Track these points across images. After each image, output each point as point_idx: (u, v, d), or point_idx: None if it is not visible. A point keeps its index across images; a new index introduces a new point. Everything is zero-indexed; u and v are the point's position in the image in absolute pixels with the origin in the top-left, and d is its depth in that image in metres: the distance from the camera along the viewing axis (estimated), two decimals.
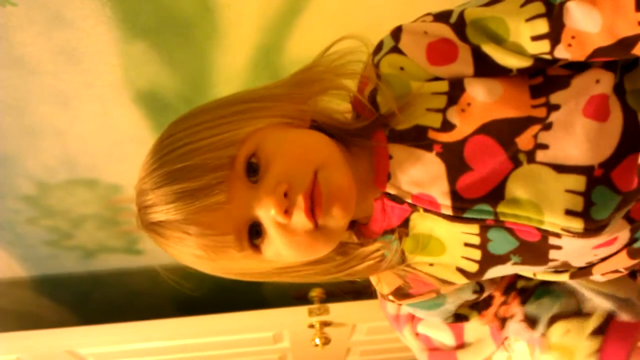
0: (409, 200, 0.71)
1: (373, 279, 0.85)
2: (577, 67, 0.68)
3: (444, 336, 1.38)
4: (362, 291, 0.89)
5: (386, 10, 0.75)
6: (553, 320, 0.87)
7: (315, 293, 2.06)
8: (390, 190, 0.72)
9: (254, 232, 0.68)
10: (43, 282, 2.19)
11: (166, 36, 1.33)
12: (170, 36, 1.33)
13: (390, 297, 0.85)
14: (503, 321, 0.93)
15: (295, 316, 1.99)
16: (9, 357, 2.08)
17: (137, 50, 1.36)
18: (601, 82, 0.66)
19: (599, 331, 0.84)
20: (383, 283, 0.84)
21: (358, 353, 2.38)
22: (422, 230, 0.74)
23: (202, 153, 0.65)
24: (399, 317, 1.43)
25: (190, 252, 0.69)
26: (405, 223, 0.74)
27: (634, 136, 0.65)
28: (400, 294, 0.84)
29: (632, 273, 0.81)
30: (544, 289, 0.90)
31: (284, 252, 0.69)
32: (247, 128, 0.67)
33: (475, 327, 1.34)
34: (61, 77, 1.40)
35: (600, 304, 0.86)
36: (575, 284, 0.89)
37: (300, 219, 0.66)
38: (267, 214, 0.66)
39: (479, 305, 0.91)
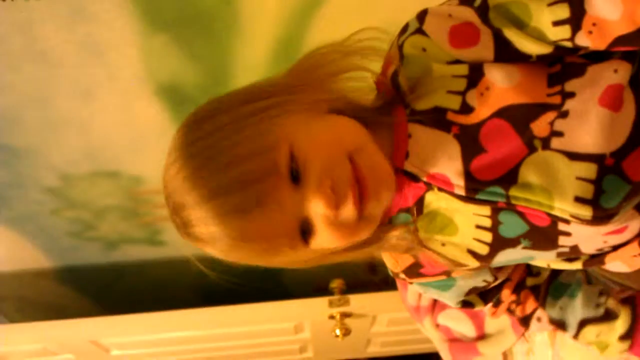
0: (425, 179, 0.72)
1: (385, 257, 0.86)
2: (595, 58, 0.68)
3: (465, 327, 1.38)
4: (382, 282, 0.90)
5: (407, 3, 0.75)
6: (582, 324, 0.88)
7: (335, 284, 2.07)
8: (408, 167, 0.73)
9: (304, 230, 0.70)
10: (67, 272, 2.21)
11: (187, 29, 1.34)
12: (191, 29, 1.34)
13: (402, 275, 0.86)
14: (524, 320, 0.93)
15: (316, 307, 2.00)
16: (35, 346, 2.11)
17: (159, 43, 1.37)
18: (619, 72, 0.66)
19: (628, 334, 0.84)
20: (395, 261, 0.85)
21: (378, 344, 2.38)
22: (435, 209, 0.75)
23: (239, 163, 0.65)
24: (420, 308, 1.43)
25: (240, 256, 0.71)
26: (420, 202, 0.75)
27: None
28: (412, 272, 0.85)
29: None
30: (556, 285, 0.90)
31: (331, 243, 0.71)
32: (274, 130, 0.67)
33: (496, 319, 1.34)
34: (84, 70, 1.42)
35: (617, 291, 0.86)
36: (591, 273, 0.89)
37: (348, 211, 0.68)
38: (317, 211, 0.68)
39: (488, 298, 0.92)
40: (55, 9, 1.27)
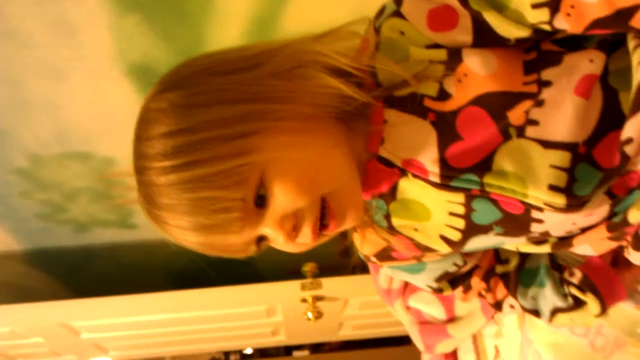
0: (399, 165, 0.72)
1: (357, 240, 0.86)
2: (570, 46, 0.69)
3: (435, 310, 1.40)
4: (354, 266, 0.90)
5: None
6: (554, 312, 0.89)
7: (308, 268, 2.08)
8: (383, 153, 0.73)
9: (260, 239, 0.72)
10: (36, 255, 2.19)
11: (159, 9, 1.32)
12: (164, 9, 1.32)
13: (373, 259, 0.87)
14: (496, 305, 0.94)
15: (288, 290, 2.01)
16: (4, 329, 2.09)
17: (130, 23, 1.35)
18: (594, 62, 0.67)
19: (602, 310, 0.86)
20: (367, 245, 0.85)
21: (350, 327, 2.40)
22: (409, 195, 0.75)
23: (212, 186, 0.65)
24: (391, 291, 1.44)
25: (196, 249, 0.73)
26: (394, 189, 0.75)
27: (614, 114, 0.66)
28: (383, 256, 0.86)
29: (619, 249, 0.82)
30: (525, 273, 0.91)
31: (286, 250, 0.75)
32: (249, 153, 0.66)
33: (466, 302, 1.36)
34: (54, 50, 1.39)
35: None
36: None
37: (306, 240, 0.71)
38: (275, 237, 0.71)
39: (457, 284, 0.92)
40: None
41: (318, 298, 2.01)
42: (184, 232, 0.68)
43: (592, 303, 0.84)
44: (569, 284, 0.86)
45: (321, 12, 0.75)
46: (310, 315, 2.00)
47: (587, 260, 0.86)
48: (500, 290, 0.92)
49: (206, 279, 2.05)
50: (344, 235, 0.86)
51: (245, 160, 0.66)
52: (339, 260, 0.89)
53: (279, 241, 0.70)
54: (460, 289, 0.94)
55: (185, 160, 0.65)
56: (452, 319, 1.40)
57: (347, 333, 2.47)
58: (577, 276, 0.85)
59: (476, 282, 0.92)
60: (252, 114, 0.67)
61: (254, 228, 0.69)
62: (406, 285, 1.43)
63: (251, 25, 1.35)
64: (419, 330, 1.44)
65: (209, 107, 0.67)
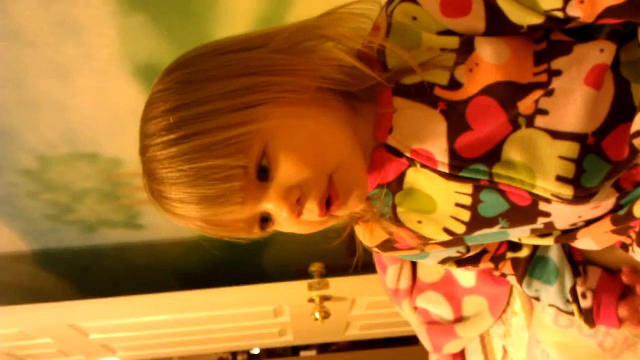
0: (408, 154, 0.72)
1: (359, 231, 0.86)
2: (581, 37, 0.68)
3: (443, 310, 1.39)
4: (362, 266, 0.90)
5: None
6: (552, 306, 0.91)
7: (315, 268, 2.07)
8: (391, 142, 0.72)
9: (264, 219, 0.70)
10: (44, 256, 2.20)
11: (165, 9, 1.32)
12: (169, 9, 1.32)
13: (376, 249, 0.87)
14: (502, 275, 0.95)
15: (296, 291, 2.01)
16: (11, 330, 2.10)
17: (136, 23, 1.35)
18: (605, 52, 0.66)
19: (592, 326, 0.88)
20: (370, 236, 0.85)
21: (358, 327, 2.39)
22: (416, 186, 0.75)
23: (210, 156, 0.64)
24: (398, 291, 1.44)
25: (200, 230, 0.71)
26: (401, 178, 0.75)
27: (625, 106, 0.66)
28: (386, 247, 0.85)
29: (624, 246, 0.82)
30: (535, 263, 0.91)
31: (292, 232, 0.72)
32: (253, 122, 0.65)
33: (474, 302, 1.35)
34: (60, 49, 1.40)
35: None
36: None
37: (312, 216, 0.68)
38: (278, 214, 0.68)
39: (464, 264, 0.92)
40: None
41: (325, 298, 2.01)
42: (186, 207, 0.66)
43: (584, 325, 0.87)
44: (576, 300, 0.87)
45: (325, 9, 0.74)
46: (317, 315, 2.00)
47: (599, 287, 0.86)
48: (508, 269, 0.93)
49: (214, 279, 2.06)
50: (351, 234, 0.86)
51: (248, 129, 0.65)
52: (346, 260, 0.89)
53: (283, 216, 0.67)
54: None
55: (186, 133, 0.64)
56: (459, 319, 1.40)
57: (355, 333, 2.47)
58: (587, 301, 0.86)
59: (484, 263, 0.92)
60: (255, 86, 0.66)
61: (257, 202, 0.67)
62: (414, 285, 1.42)
63: (257, 24, 1.35)
64: (427, 331, 1.43)
65: (212, 82, 0.66)
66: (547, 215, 0.71)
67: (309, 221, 0.69)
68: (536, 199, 0.69)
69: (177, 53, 0.73)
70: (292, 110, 0.67)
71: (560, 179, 0.66)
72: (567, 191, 0.66)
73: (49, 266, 2.27)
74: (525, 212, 0.71)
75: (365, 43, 0.72)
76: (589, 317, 0.86)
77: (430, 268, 1.42)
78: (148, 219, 2.03)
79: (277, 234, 0.75)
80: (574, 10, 0.63)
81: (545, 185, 0.67)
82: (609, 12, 0.62)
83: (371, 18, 0.73)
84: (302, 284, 2.00)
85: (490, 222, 0.74)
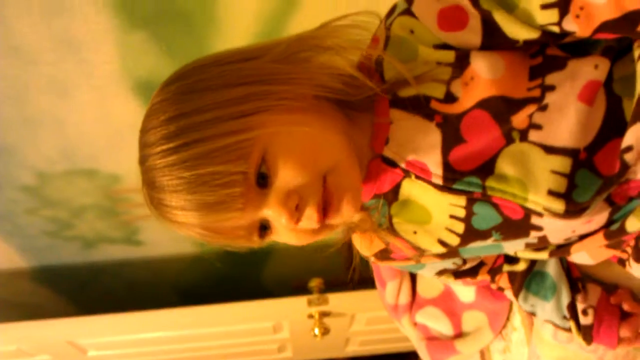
0: (403, 165, 0.72)
1: (357, 240, 0.86)
2: (576, 52, 0.69)
3: (442, 326, 1.39)
4: (361, 281, 0.90)
5: (384, 5, 0.76)
6: (548, 322, 0.92)
7: (314, 283, 2.07)
8: (387, 153, 0.73)
9: (263, 227, 0.72)
10: (43, 272, 2.19)
11: (165, 25, 1.33)
12: (169, 25, 1.33)
13: (372, 258, 0.87)
14: (499, 289, 0.96)
15: (295, 306, 2.00)
16: (10, 347, 2.09)
17: (136, 40, 1.36)
18: (599, 68, 0.67)
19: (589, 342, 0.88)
20: (366, 245, 0.86)
21: (357, 343, 2.38)
22: (411, 197, 0.75)
23: (210, 162, 0.65)
24: (398, 307, 1.43)
25: (200, 237, 0.72)
26: (396, 189, 0.75)
27: (617, 121, 0.67)
28: (382, 256, 0.86)
29: (621, 261, 0.82)
30: (532, 277, 0.91)
31: (288, 242, 0.74)
32: (251, 129, 0.66)
33: (474, 317, 1.35)
34: (60, 66, 1.40)
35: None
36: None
37: (310, 224, 0.70)
38: (277, 220, 0.69)
39: (461, 276, 0.92)
40: (30, 3, 1.26)
41: (324, 314, 2.00)
42: (186, 214, 0.67)
43: (581, 342, 0.87)
44: (573, 316, 0.87)
45: None
46: (317, 331, 1.99)
47: (600, 305, 0.86)
48: (504, 282, 0.94)
49: (213, 295, 2.05)
50: (350, 247, 0.86)
51: (247, 136, 0.66)
52: (345, 275, 0.90)
53: (281, 223, 0.69)
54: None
55: (186, 140, 0.65)
56: (459, 335, 1.39)
57: (354, 349, 2.46)
58: (588, 318, 0.86)
59: (482, 275, 0.93)
60: (253, 94, 0.68)
61: (257, 209, 0.68)
62: (413, 300, 1.42)
63: (256, 41, 1.36)
64: (427, 346, 1.43)
65: (211, 91, 0.67)
66: (540, 229, 0.71)
67: (305, 230, 0.71)
68: (528, 212, 0.70)
69: (176, 69, 0.74)
70: (289, 117, 0.69)
71: (551, 193, 0.67)
72: (559, 205, 0.67)
73: (48, 282, 2.26)
74: (517, 225, 0.72)
75: (364, 54, 0.73)
76: (588, 334, 0.86)
77: (430, 283, 1.42)
78: (147, 234, 2.03)
79: (276, 250, 0.76)
80: (569, 25, 0.64)
81: (537, 199, 0.68)
82: (605, 26, 0.63)
83: (369, 30, 0.75)
84: (301, 300, 1.99)
85: (484, 235, 0.74)
